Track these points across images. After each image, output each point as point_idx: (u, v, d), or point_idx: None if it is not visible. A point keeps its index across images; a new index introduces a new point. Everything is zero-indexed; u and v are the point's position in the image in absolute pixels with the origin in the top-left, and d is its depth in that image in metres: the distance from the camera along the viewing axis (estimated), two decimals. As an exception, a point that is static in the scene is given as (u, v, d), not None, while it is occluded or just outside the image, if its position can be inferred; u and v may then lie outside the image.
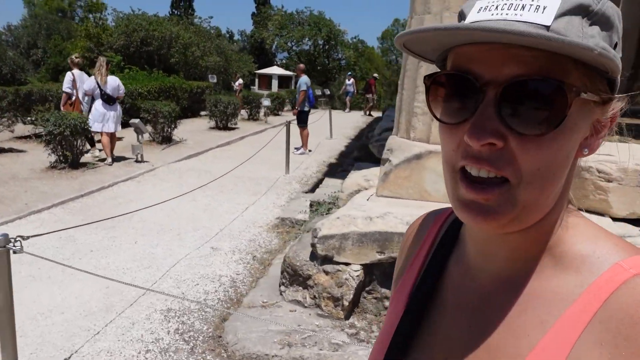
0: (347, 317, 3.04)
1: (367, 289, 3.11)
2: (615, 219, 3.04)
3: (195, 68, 19.55)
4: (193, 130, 11.91)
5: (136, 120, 7.90)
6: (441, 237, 0.63)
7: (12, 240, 2.16)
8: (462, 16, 0.48)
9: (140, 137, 7.97)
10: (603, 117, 0.48)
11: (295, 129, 9.97)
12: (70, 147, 7.12)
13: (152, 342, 2.87)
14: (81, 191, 6.01)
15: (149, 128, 10.10)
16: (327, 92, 23.32)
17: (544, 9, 0.42)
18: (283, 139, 11.87)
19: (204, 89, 15.95)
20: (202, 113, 15.73)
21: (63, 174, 6.90)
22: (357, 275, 3.01)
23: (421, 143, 3.30)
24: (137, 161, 7.89)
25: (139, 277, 3.75)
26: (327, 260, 3.07)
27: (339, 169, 8.30)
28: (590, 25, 0.43)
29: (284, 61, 29.71)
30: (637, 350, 0.42)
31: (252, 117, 15.52)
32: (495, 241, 0.51)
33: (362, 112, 21.17)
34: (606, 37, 0.44)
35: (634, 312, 0.43)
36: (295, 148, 10.50)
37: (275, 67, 25.73)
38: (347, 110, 20.58)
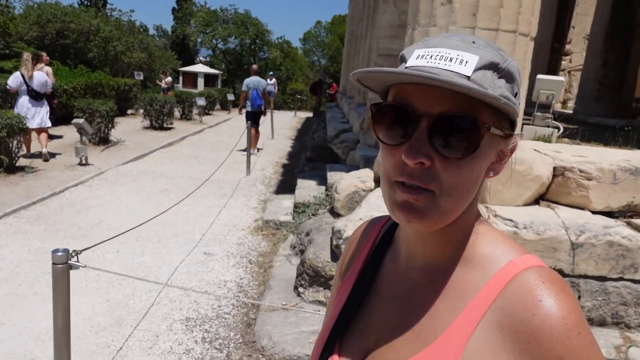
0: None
1: (386, 285, 3.26)
2: (593, 212, 3.50)
3: (117, 64, 18.36)
4: (127, 130, 11.24)
5: (80, 120, 7.32)
6: (379, 240, 0.74)
7: (72, 255, 2.00)
8: (403, 59, 0.59)
9: (84, 138, 7.39)
10: (505, 148, 0.60)
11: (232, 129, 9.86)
12: (7, 149, 6.43)
13: (184, 352, 2.78)
14: (30, 198, 5.47)
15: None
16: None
17: (466, 62, 0.53)
18: (225, 139, 11.70)
19: (131, 86, 15.07)
20: (129, 112, 14.89)
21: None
22: (382, 273, 3.15)
23: (427, 146, 3.52)
24: (81, 164, 7.32)
25: (139, 287, 3.55)
26: (350, 260, 3.17)
27: (294, 169, 8.37)
28: (499, 78, 0.55)
29: (207, 59, 28.89)
30: (533, 332, 0.52)
31: (186, 116, 15.00)
32: (419, 240, 0.63)
33: (293, 113, 21.33)
34: (509, 88, 0.56)
35: (525, 300, 0.54)
36: (243, 149, 10.38)
37: (200, 65, 24.89)
38: (269, 110, 20.50)
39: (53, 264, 1.92)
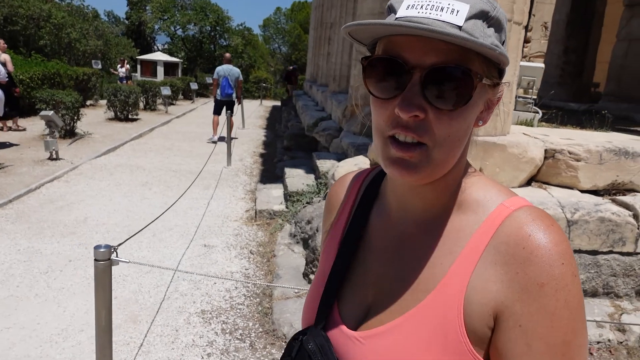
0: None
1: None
2: (582, 191, 3.72)
3: (71, 52, 17.48)
4: (91, 122, 10.79)
5: (49, 112, 6.96)
6: (363, 193, 0.73)
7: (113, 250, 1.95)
8: (391, 9, 0.57)
9: (54, 131, 7.05)
10: (494, 97, 0.61)
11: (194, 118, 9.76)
12: (-29, 145, 6.06)
13: (207, 345, 2.77)
14: (5, 196, 5.19)
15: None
16: (209, 80, 22.71)
17: (457, 12, 0.53)
18: (195, 130, 11.46)
19: (90, 75, 14.42)
20: (89, 102, 14.26)
21: (-35, 177, 5.86)
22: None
23: (428, 132, 3.62)
24: (51, 158, 6.99)
25: (146, 282, 3.49)
26: (362, 245, 3.24)
27: (273, 159, 8.34)
28: (488, 27, 0.55)
29: (165, 46, 27.93)
30: (521, 263, 0.55)
31: (150, 107, 14.53)
32: (412, 193, 0.64)
33: (258, 102, 21.11)
34: (498, 37, 0.56)
35: (515, 236, 0.56)
36: (210, 137, 10.22)
37: (159, 53, 24.04)
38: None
39: (95, 260, 1.87)
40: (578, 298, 0.54)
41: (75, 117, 9.10)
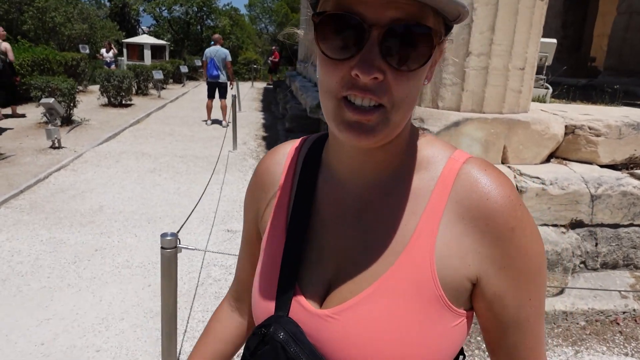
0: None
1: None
2: (601, 166, 3.79)
3: (56, 36, 17.02)
4: (85, 108, 10.59)
5: (50, 100, 6.82)
6: (302, 164, 0.69)
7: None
8: None
9: (56, 119, 6.91)
10: (439, 55, 0.58)
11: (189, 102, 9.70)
12: (-27, 135, 5.93)
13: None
14: (15, 187, 5.11)
15: (40, 108, 8.75)
16: (199, 62, 22.38)
17: None
18: (191, 114, 11.33)
19: (79, 60, 14.09)
20: (79, 88, 13.96)
21: (-31, 168, 5.74)
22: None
23: (452, 112, 3.63)
24: (53, 147, 6.88)
25: (184, 269, 3.49)
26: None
27: (277, 142, 8.30)
28: None
29: (151, 29, 27.29)
30: (489, 214, 0.57)
31: (142, 92, 14.29)
32: (364, 156, 0.61)
33: (249, 84, 20.89)
34: None
35: (476, 187, 0.59)
36: (204, 120, 10.14)
37: (145, 36, 23.50)
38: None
39: (162, 248, 1.86)
40: (536, 229, 0.59)
41: (72, 104, 8.93)
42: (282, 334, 0.59)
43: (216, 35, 10.22)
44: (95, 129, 8.67)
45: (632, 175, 3.72)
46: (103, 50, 16.04)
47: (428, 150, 0.63)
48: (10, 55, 8.69)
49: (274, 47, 22.78)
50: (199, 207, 4.86)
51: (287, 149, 0.73)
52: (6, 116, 8.77)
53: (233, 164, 6.72)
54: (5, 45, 8.61)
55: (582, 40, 9.51)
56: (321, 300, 0.61)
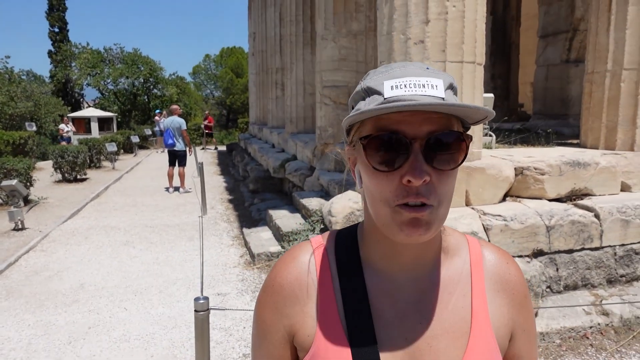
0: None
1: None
2: (549, 200, 4.32)
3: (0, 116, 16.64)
4: (39, 186, 10.32)
5: (13, 182, 6.72)
6: (337, 269, 0.71)
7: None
8: (372, 91, 0.61)
9: (18, 200, 6.78)
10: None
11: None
12: None
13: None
14: (-14, 273, 4.97)
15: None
16: (148, 132, 22.46)
17: (436, 87, 0.59)
18: (150, 183, 11.31)
19: (26, 139, 13.83)
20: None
21: None
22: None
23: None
24: (16, 229, 6.70)
25: (176, 337, 3.55)
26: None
27: (244, 203, 8.49)
28: (454, 94, 0.63)
29: (96, 101, 27.17)
30: (511, 283, 0.73)
31: (95, 164, 14.11)
32: (415, 251, 0.68)
33: (200, 148, 21.07)
34: (457, 100, 0.64)
35: (500, 266, 0.74)
36: (166, 188, 10.21)
37: (91, 109, 23.37)
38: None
39: (195, 311, 2.03)
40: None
41: (29, 183, 8.76)
42: None
43: (173, 106, 10.56)
44: (55, 207, 8.50)
45: (576, 205, 4.27)
46: (63, 126, 15.80)
47: (451, 237, 0.74)
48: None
49: (206, 112, 23.39)
50: (181, 274, 4.94)
51: (309, 255, 0.73)
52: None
53: (207, 228, 6.82)
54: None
55: (510, 90, 10.65)
56: None
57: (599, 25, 5.03)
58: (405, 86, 0.59)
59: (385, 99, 0.59)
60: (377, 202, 0.62)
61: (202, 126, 21.74)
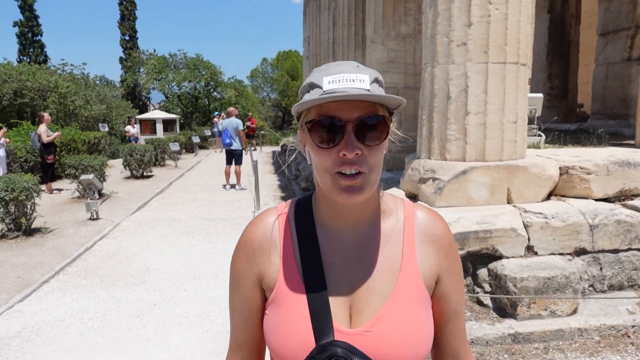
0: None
1: (449, 281, 3.84)
2: (596, 200, 4.29)
3: (76, 118, 18.17)
4: (110, 182, 11.26)
5: (90, 176, 7.48)
6: (296, 227, 0.88)
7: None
8: (314, 85, 0.77)
9: (94, 192, 7.54)
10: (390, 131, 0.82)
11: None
12: (24, 212, 6.51)
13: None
14: (68, 256, 5.62)
15: (74, 185, 9.45)
16: (208, 132, 23.53)
17: (363, 81, 0.75)
18: (209, 181, 11.99)
19: (100, 139, 15.07)
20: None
21: (20, 243, 6.28)
22: (447, 270, 3.74)
23: (458, 162, 4.21)
24: (92, 219, 7.44)
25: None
26: (419, 263, 3.74)
27: (295, 200, 8.86)
28: (379, 87, 0.79)
29: (162, 104, 28.89)
30: (439, 238, 0.88)
31: (159, 163, 15.10)
32: (356, 211, 0.84)
33: (251, 149, 21.82)
34: (383, 91, 0.80)
35: (429, 222, 0.89)
36: (223, 185, 10.79)
37: (157, 111, 24.93)
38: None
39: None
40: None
41: (102, 179, 9.62)
42: (340, 349, 0.77)
43: (230, 109, 11.16)
44: (124, 200, 9.28)
45: (624, 205, 4.22)
46: (129, 127, 17.05)
47: (387, 202, 0.89)
48: (44, 137, 9.51)
49: (250, 114, 23.85)
50: (236, 262, 5.32)
51: (274, 217, 0.90)
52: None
53: (259, 223, 7.21)
54: (40, 129, 9.47)
55: (568, 89, 10.32)
56: (349, 325, 0.81)
57: (657, 22, 4.90)
58: (339, 81, 0.74)
59: (324, 91, 0.75)
60: (321, 172, 0.78)
61: (245, 127, 22.35)
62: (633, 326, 3.50)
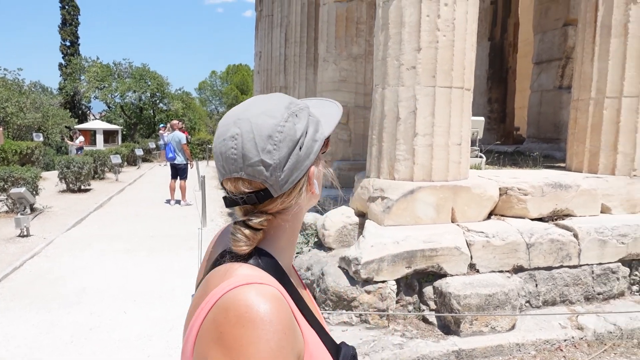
0: (389, 325, 3.78)
1: (396, 298, 3.91)
2: (532, 219, 4.54)
3: (8, 126, 17.01)
4: (44, 195, 10.59)
5: (21, 190, 6.97)
6: (292, 297, 0.76)
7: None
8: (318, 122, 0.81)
9: (25, 207, 7.03)
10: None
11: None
12: (-57, 228, 5.96)
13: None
14: (-8, 275, 5.19)
15: (3, 198, 8.77)
16: (152, 145, 22.81)
17: None
18: (151, 195, 11.56)
19: (33, 149, 14.17)
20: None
21: (-62, 261, 5.72)
22: (394, 288, 3.80)
23: (407, 182, 4.31)
24: (22, 235, 6.93)
25: (172, 343, 3.74)
26: (367, 281, 3.78)
27: (244, 216, 8.71)
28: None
29: (103, 114, 27.66)
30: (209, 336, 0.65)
31: (99, 176, 14.39)
32: None
33: (205, 163, 21.34)
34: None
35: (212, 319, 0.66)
36: (167, 201, 10.46)
37: (98, 121, 23.84)
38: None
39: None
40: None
41: (35, 192, 9.01)
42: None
43: (174, 122, 10.94)
44: (60, 215, 8.74)
45: (557, 225, 4.49)
46: (81, 138, 16.14)
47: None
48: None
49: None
50: (179, 282, 5.15)
51: (277, 290, 0.71)
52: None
53: (206, 240, 7.01)
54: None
55: (506, 113, 10.94)
56: None
57: (584, 55, 5.31)
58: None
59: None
60: (312, 203, 0.83)
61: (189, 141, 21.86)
62: (565, 340, 3.70)
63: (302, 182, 0.77)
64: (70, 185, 11.67)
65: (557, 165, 6.45)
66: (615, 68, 5.02)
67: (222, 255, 0.77)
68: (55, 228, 7.63)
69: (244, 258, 0.74)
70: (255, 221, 0.74)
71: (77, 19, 28.74)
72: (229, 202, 0.76)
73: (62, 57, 27.50)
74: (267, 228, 0.77)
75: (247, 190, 0.74)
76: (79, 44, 28.54)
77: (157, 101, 26.23)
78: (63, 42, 28.21)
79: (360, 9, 6.81)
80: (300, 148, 0.75)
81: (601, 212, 4.76)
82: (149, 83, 24.47)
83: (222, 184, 0.77)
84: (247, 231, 0.74)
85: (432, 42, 4.24)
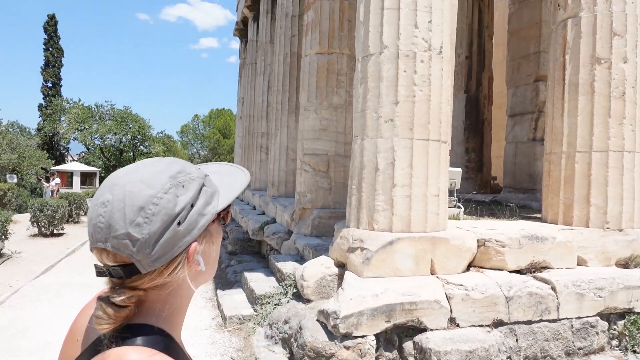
0: (368, 383, 3.64)
1: (376, 354, 3.80)
2: (510, 272, 4.54)
3: (-19, 167, 16.64)
4: (14, 240, 10.22)
5: (-11, 235, 6.71)
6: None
7: None
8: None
9: (-8, 254, 6.75)
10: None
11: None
12: None
13: None
14: (-51, 328, 4.88)
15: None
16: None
17: None
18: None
19: (6, 191, 13.81)
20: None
21: None
22: (374, 344, 3.70)
23: (386, 232, 4.30)
24: (-14, 283, 6.61)
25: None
26: (346, 336, 3.67)
27: (223, 264, 8.50)
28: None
29: (81, 156, 27.33)
30: None
31: (73, 219, 14.04)
32: None
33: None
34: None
35: None
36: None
37: (75, 162, 23.49)
38: None
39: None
40: None
41: (3, 237, 8.70)
42: None
43: None
44: (29, 262, 8.41)
45: (535, 277, 4.50)
46: (58, 180, 15.77)
47: None
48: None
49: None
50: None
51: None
52: None
53: (180, 289, 6.80)
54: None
55: (483, 163, 11.21)
56: None
57: (555, 110, 5.53)
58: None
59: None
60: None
61: None
62: (548, 398, 3.62)
63: (179, 258, 0.70)
64: (43, 229, 11.34)
65: (533, 216, 6.55)
66: (584, 124, 5.22)
67: (105, 336, 0.69)
68: (22, 275, 7.31)
69: (129, 338, 0.68)
70: (117, 299, 0.67)
71: (61, 61, 28.87)
72: (98, 272, 0.70)
73: (43, 98, 27.39)
74: (145, 300, 0.71)
75: (110, 264, 0.68)
76: (61, 85, 28.53)
77: (138, 144, 26.14)
78: (45, 84, 28.18)
79: (341, 61, 7.03)
80: (180, 223, 0.68)
81: (577, 264, 4.80)
82: (130, 125, 24.46)
83: (91, 250, 0.70)
84: (109, 310, 0.67)
85: (409, 96, 4.37)
